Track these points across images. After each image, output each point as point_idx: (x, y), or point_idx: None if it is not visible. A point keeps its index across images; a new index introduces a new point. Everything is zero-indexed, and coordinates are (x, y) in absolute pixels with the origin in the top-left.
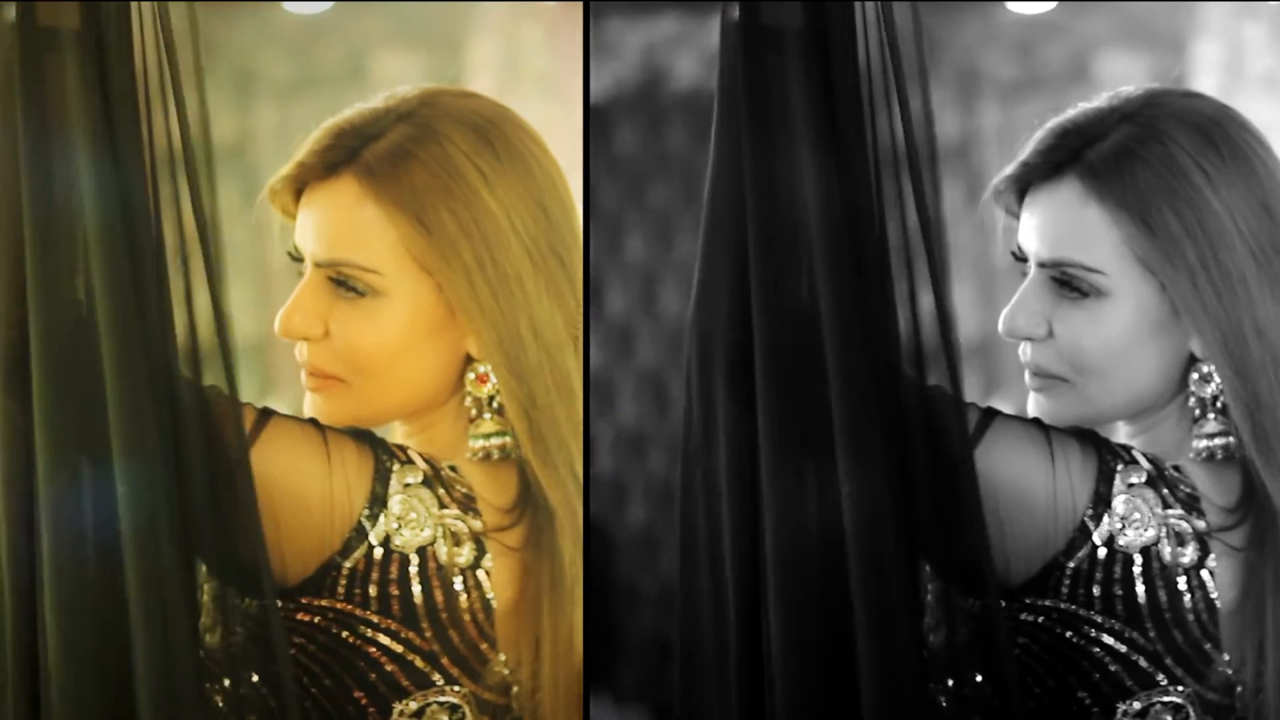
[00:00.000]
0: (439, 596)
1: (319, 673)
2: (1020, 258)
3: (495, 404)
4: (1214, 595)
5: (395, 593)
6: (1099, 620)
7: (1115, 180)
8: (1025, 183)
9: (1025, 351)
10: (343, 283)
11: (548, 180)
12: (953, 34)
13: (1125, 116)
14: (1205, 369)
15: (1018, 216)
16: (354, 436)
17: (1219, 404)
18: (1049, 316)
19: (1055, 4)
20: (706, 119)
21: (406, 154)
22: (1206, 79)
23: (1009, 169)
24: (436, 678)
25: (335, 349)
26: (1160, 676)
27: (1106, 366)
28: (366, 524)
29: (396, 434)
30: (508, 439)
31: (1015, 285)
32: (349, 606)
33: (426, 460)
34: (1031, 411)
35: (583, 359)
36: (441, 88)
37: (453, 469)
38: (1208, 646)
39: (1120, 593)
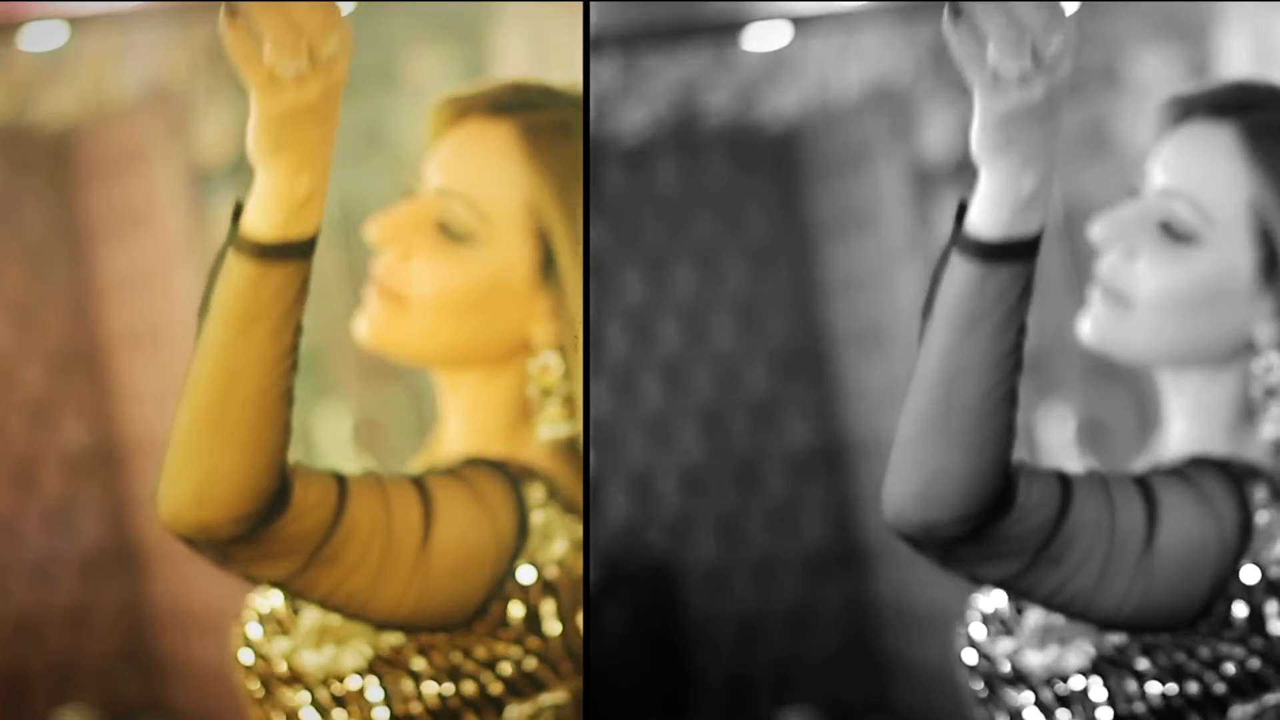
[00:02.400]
0: (567, 607)
1: (444, 680)
2: (1134, 192)
3: (560, 392)
4: None
5: (535, 610)
6: (1237, 636)
7: (1273, 148)
8: (1183, 112)
9: (1101, 265)
10: (447, 223)
11: None
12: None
13: None
14: (1269, 360)
15: (1157, 144)
16: (486, 468)
17: None
18: (1137, 241)
19: (1077, 6)
20: (743, 152)
21: (570, 131)
22: (1234, 72)
23: (1174, 93)
24: (553, 680)
25: (411, 271)
26: (1275, 679)
27: (1165, 309)
28: (518, 553)
29: (447, 416)
30: (574, 429)
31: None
32: (499, 630)
33: (533, 471)
34: (1082, 327)
35: (583, 362)
36: None
37: (548, 475)
38: None
39: (1259, 608)
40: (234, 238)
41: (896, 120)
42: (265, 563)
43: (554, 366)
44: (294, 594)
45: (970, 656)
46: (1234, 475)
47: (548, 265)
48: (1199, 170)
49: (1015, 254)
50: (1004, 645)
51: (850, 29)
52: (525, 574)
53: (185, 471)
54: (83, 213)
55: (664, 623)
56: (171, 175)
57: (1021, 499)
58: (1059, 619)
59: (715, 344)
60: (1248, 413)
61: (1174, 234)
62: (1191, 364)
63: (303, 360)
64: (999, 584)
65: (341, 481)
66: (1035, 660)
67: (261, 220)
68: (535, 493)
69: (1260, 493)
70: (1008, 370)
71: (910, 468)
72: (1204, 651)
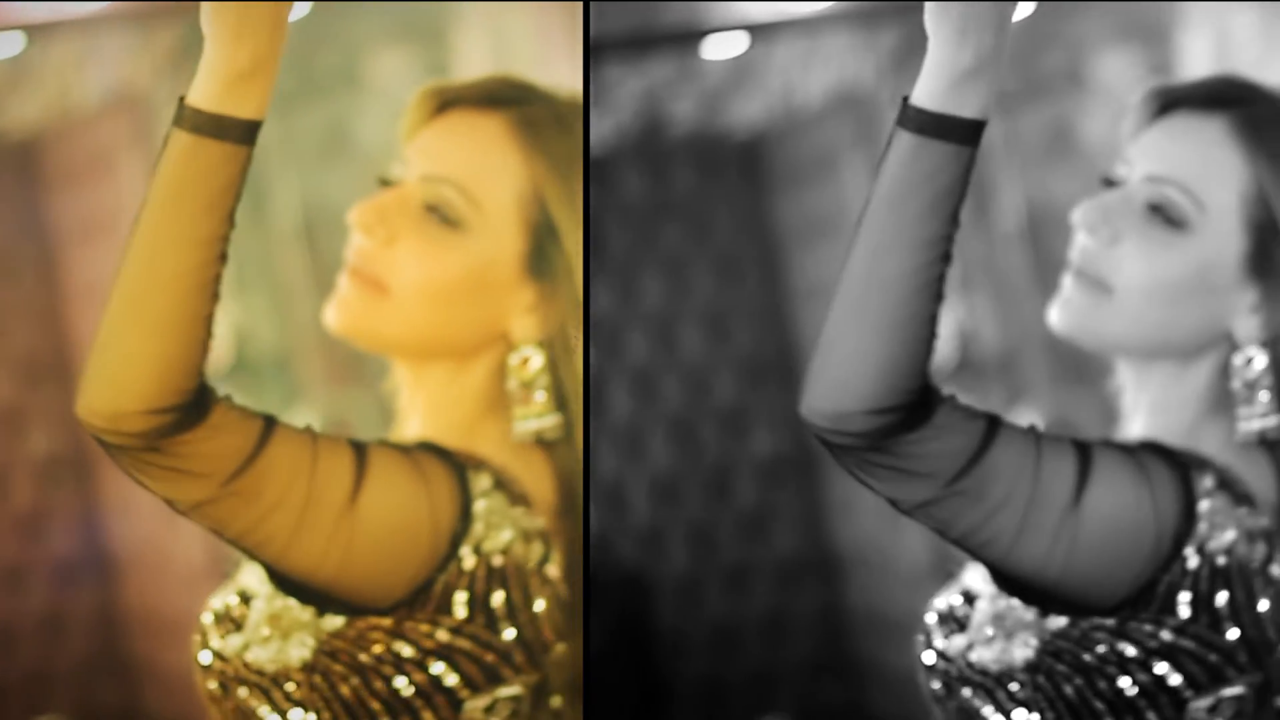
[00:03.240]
0: (518, 598)
1: (393, 674)
2: (1111, 183)
3: (541, 384)
4: None
5: (481, 599)
6: (1184, 626)
7: (1271, 144)
8: (1168, 103)
9: (1076, 249)
10: (436, 209)
11: None
12: None
13: None
14: (1249, 352)
15: (1137, 134)
16: (433, 452)
17: (1265, 384)
18: (1123, 226)
19: (1034, 6)
20: (708, 161)
21: (567, 126)
22: (1196, 71)
23: (1155, 85)
24: (508, 673)
25: (395, 257)
26: (1231, 672)
27: (1150, 295)
28: (460, 533)
29: (407, 412)
30: (561, 418)
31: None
32: (441, 616)
33: (481, 461)
34: (1053, 314)
35: (582, 360)
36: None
37: (500, 467)
38: (1272, 636)
39: (1206, 598)
40: (178, 114)
41: (860, 126)
42: (180, 480)
43: (534, 360)
44: (213, 526)
45: (928, 657)
46: (1180, 461)
47: (535, 259)
48: (1192, 158)
49: (950, 132)
50: (958, 643)
51: (812, 35)
52: (468, 560)
53: (104, 358)
54: (50, 219)
55: (637, 632)
56: (138, 181)
57: (940, 416)
58: (1005, 607)
59: (684, 353)
60: (1212, 407)
61: (1164, 219)
62: (1160, 355)
63: (271, 366)
64: (916, 509)
65: (270, 420)
66: (987, 655)
67: (200, 89)
68: (481, 481)
69: (1206, 481)
70: (932, 257)
71: (829, 351)
72: (1151, 642)
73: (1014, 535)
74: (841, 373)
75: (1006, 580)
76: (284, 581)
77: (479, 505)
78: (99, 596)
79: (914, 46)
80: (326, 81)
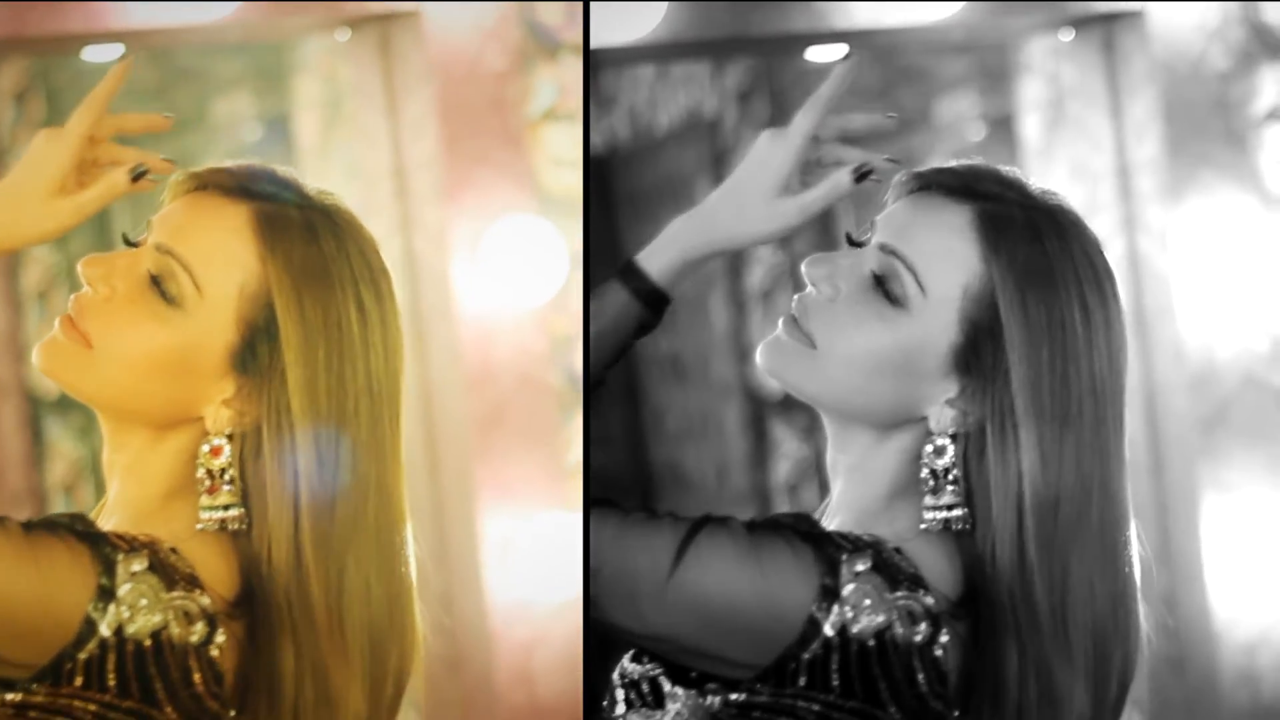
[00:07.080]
0: (175, 675)
1: None
2: (854, 242)
3: (228, 476)
4: (947, 670)
5: (134, 677)
6: (840, 703)
7: (1011, 245)
8: (926, 184)
9: (797, 299)
10: (159, 281)
11: (396, 356)
12: (795, 84)
13: (1043, 210)
14: (939, 442)
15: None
16: (59, 535)
17: (951, 476)
18: (844, 287)
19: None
20: None
21: (315, 234)
22: (1030, 117)
23: (916, 169)
24: None
25: (107, 316)
26: None
27: (852, 363)
28: (96, 616)
29: (109, 469)
30: (243, 511)
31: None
32: (89, 692)
33: (147, 544)
34: (760, 355)
35: (583, 363)
36: (354, 215)
37: (174, 550)
38: (941, 708)
39: (858, 676)
40: None
41: (709, 149)
42: None
43: (225, 452)
44: None
45: None
46: (829, 547)
47: (244, 354)
48: (928, 239)
49: (628, 280)
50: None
51: (659, 61)
52: (111, 639)
53: None
54: None
55: None
56: None
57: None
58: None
59: None
60: (905, 486)
61: (884, 292)
62: (856, 421)
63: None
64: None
65: None
66: None
67: None
68: (132, 565)
69: (858, 565)
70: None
71: None
72: (809, 717)
73: (613, 599)
74: None
75: (642, 648)
76: None
77: (123, 589)
78: None
79: (759, 77)
80: (175, 118)
